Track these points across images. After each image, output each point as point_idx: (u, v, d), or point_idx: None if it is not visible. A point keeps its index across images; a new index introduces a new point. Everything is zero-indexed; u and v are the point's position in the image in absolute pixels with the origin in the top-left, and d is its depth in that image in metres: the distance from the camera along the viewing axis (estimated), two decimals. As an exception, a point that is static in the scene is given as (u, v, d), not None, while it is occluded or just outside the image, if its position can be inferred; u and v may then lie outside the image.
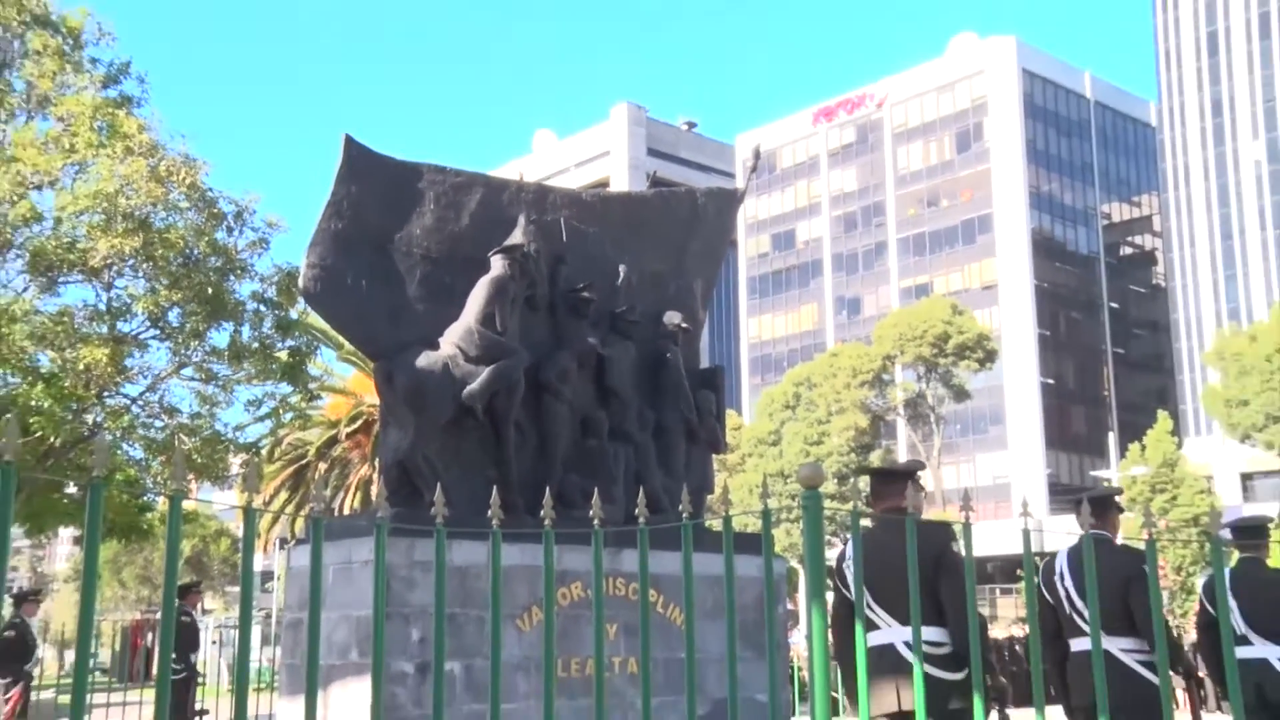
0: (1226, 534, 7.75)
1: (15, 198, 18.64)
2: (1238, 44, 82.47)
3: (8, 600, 13.68)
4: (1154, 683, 5.43)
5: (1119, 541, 6.70)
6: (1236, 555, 7.67)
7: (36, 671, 15.45)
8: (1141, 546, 5.35)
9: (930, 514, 5.98)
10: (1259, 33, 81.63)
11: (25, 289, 19.93)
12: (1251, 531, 7.54)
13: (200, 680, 14.75)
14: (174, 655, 13.57)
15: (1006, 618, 37.12)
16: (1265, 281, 78.48)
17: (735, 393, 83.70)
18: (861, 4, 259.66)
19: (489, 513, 4.05)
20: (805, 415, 61.61)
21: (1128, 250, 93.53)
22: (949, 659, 5.35)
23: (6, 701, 13.17)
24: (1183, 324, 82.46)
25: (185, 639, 14.08)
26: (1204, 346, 71.30)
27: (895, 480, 5.86)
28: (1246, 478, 71.46)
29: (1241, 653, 7.04)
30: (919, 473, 6.08)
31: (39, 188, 19.45)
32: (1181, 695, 6.84)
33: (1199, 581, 44.08)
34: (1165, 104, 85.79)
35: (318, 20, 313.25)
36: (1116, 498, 6.93)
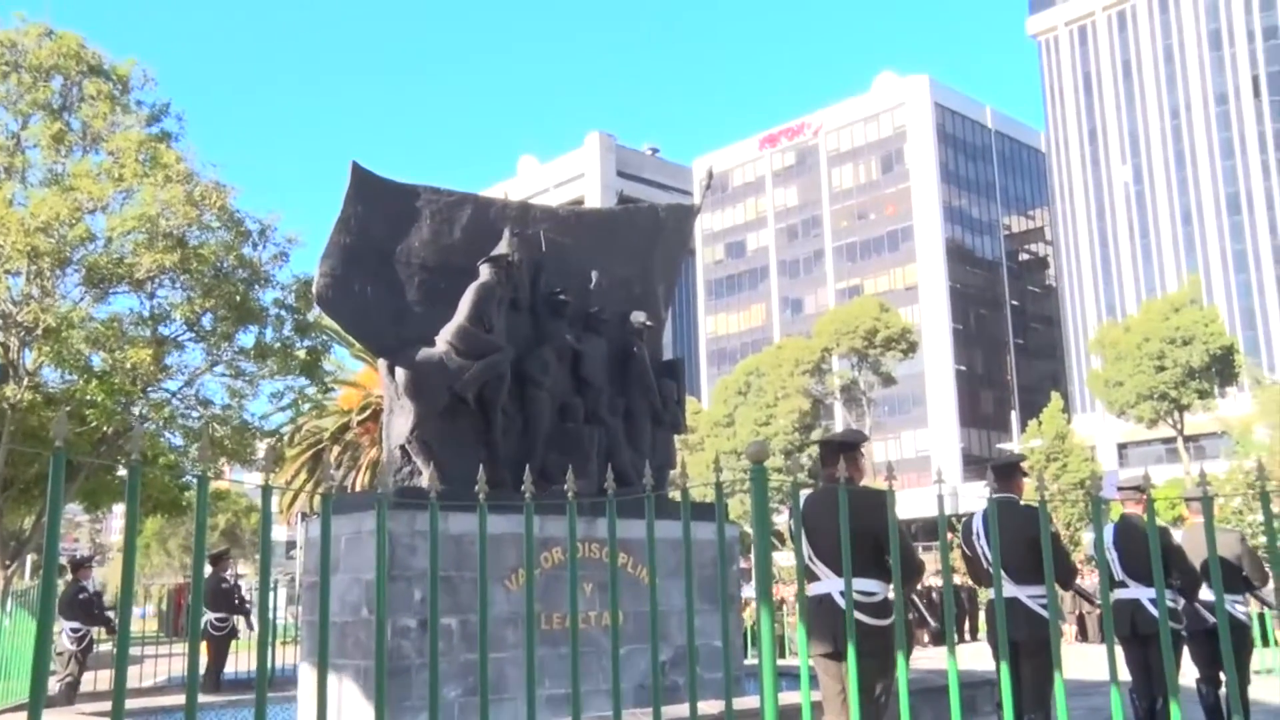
0: (1113, 494, 7.74)
1: (73, 221, 18.50)
2: (1107, 85, 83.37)
3: (65, 565, 13.40)
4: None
5: (1023, 503, 6.64)
6: (1119, 512, 7.66)
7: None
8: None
9: (865, 483, 5.71)
10: (1123, 75, 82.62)
11: (81, 299, 19.78)
12: (1131, 491, 7.53)
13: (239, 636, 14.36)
14: (221, 615, 13.33)
15: (927, 570, 37.25)
16: (1135, 282, 79.34)
17: (694, 381, 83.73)
18: (799, 44, 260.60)
19: (477, 487, 3.98)
20: (755, 400, 61.71)
21: (1025, 256, 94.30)
22: (877, 607, 5.23)
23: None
24: (1070, 319, 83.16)
25: (225, 600, 13.72)
26: (1088, 337, 72.02)
27: (839, 450, 5.47)
28: (1122, 447, 72.48)
29: (1119, 594, 7.09)
30: (860, 444, 5.82)
31: (93, 212, 19.29)
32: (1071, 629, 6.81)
33: (1084, 536, 44.46)
34: (1051, 133, 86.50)
35: (334, 57, 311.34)
36: (1021, 464, 6.88)
